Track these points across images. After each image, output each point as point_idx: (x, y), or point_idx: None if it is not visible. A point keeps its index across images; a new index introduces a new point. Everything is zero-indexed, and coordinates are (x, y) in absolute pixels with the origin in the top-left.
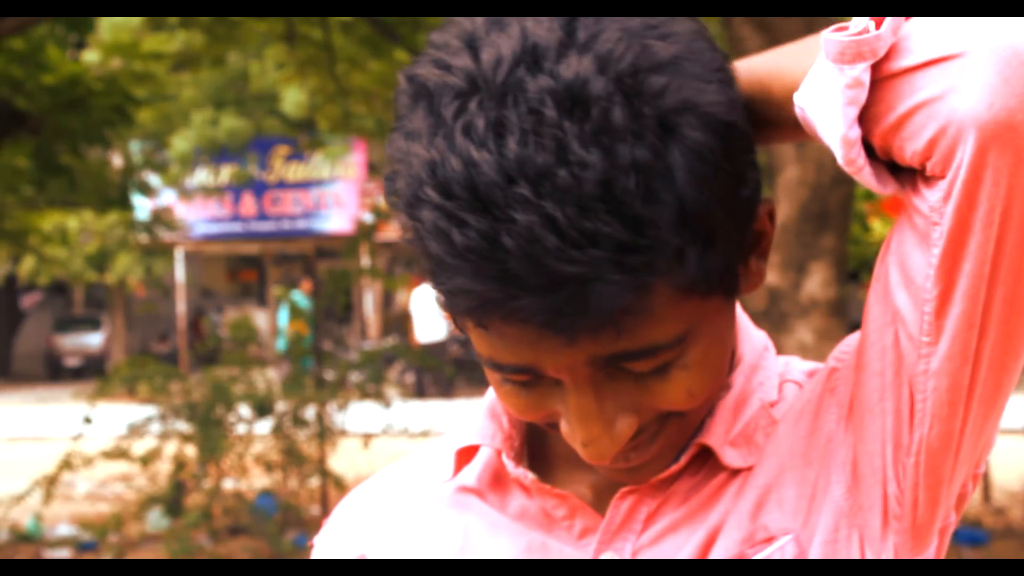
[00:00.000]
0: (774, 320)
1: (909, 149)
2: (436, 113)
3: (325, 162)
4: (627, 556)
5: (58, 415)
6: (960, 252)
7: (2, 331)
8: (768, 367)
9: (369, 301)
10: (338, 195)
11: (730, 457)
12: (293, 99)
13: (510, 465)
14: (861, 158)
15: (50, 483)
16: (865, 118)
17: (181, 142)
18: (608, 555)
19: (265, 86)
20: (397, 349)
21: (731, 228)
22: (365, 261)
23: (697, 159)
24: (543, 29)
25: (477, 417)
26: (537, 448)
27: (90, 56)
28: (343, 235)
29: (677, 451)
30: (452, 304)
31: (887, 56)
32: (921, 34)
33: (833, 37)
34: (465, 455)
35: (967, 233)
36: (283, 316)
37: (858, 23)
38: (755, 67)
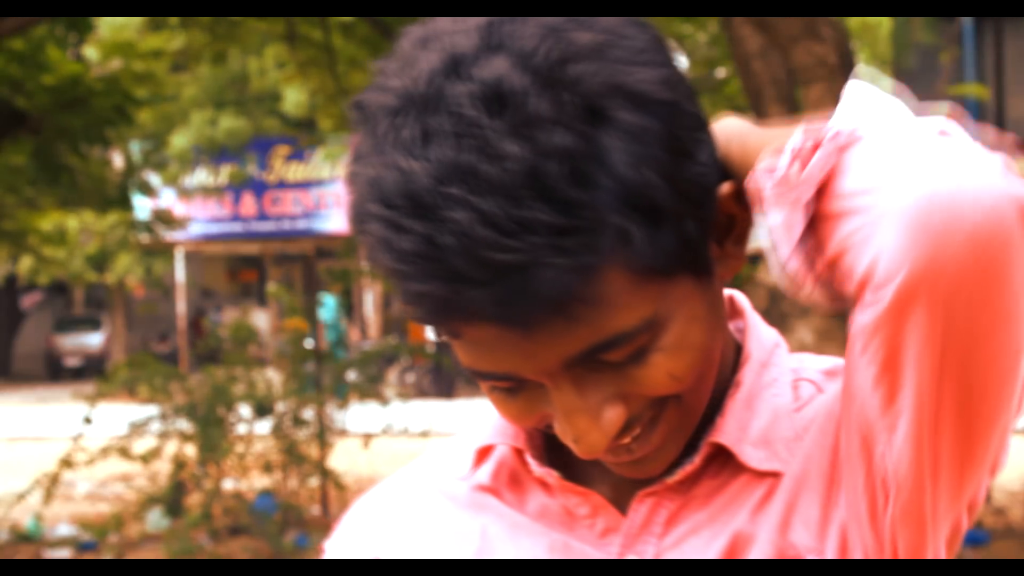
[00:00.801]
0: (774, 320)
1: (845, 284)
2: (374, 133)
3: (325, 162)
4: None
5: (58, 415)
6: (897, 371)
7: (2, 331)
8: (779, 364)
9: (369, 301)
10: (338, 195)
11: (750, 456)
12: (293, 99)
13: (534, 464)
14: (803, 283)
15: (51, 482)
16: (810, 243)
17: (181, 140)
18: (631, 557)
19: (265, 86)
20: (398, 348)
21: (684, 206)
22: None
23: (631, 139)
24: (463, 37)
25: (495, 417)
26: (555, 448)
27: (90, 51)
28: (343, 235)
29: (685, 440)
30: (415, 314)
31: (823, 190)
32: (847, 177)
33: (764, 174)
34: (482, 455)
35: (899, 360)
36: (327, 312)
37: (785, 157)
38: (732, 141)
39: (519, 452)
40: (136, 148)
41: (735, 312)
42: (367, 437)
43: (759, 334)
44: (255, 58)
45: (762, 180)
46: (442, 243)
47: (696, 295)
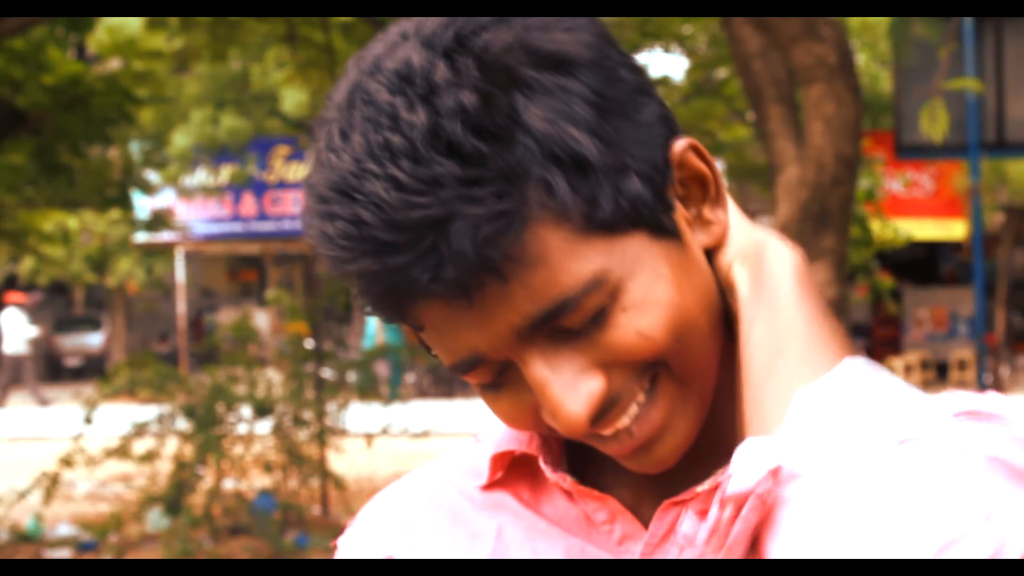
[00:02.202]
0: None
1: None
2: (315, 147)
3: None
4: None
5: (58, 415)
6: None
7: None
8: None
9: None
10: None
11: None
12: (294, 99)
13: (547, 470)
14: None
15: (51, 481)
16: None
17: (181, 138)
18: None
19: (266, 86)
20: (398, 349)
21: (622, 162)
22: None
23: (545, 95)
24: (381, 43)
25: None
26: (577, 453)
27: (94, 43)
28: None
29: (695, 421)
30: (370, 306)
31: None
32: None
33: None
34: (500, 460)
35: None
36: (391, 334)
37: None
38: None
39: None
40: (136, 148)
41: None
42: (367, 437)
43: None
44: (255, 59)
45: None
46: (364, 218)
47: (657, 254)
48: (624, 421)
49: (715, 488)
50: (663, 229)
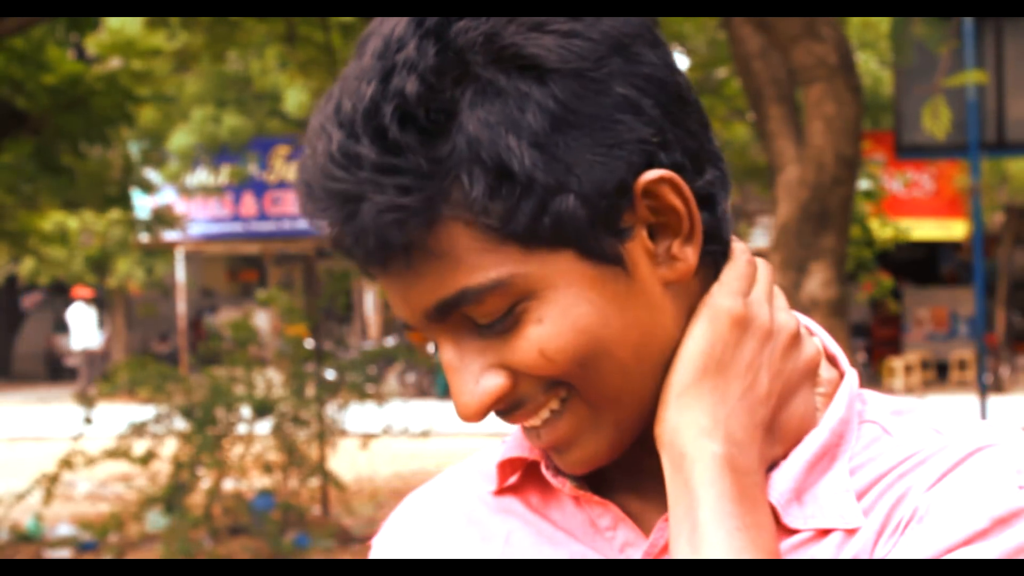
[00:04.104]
0: None
1: None
2: None
3: None
4: None
5: (58, 415)
6: None
7: (2, 331)
8: (852, 419)
9: (369, 301)
10: None
11: (794, 518)
12: (296, 99)
13: (548, 475)
14: None
15: (51, 482)
16: None
17: (182, 137)
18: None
19: (266, 86)
20: (398, 349)
21: (562, 180)
22: None
23: (495, 99)
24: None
25: (518, 429)
26: None
27: (94, 44)
28: None
29: (611, 446)
30: (337, 252)
31: None
32: None
33: None
34: (509, 466)
35: None
36: None
37: None
38: None
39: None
40: (136, 147)
41: (830, 358)
42: (367, 437)
43: (842, 394)
44: (256, 59)
45: None
46: (309, 171)
47: (588, 278)
48: (534, 422)
49: None
50: (597, 254)
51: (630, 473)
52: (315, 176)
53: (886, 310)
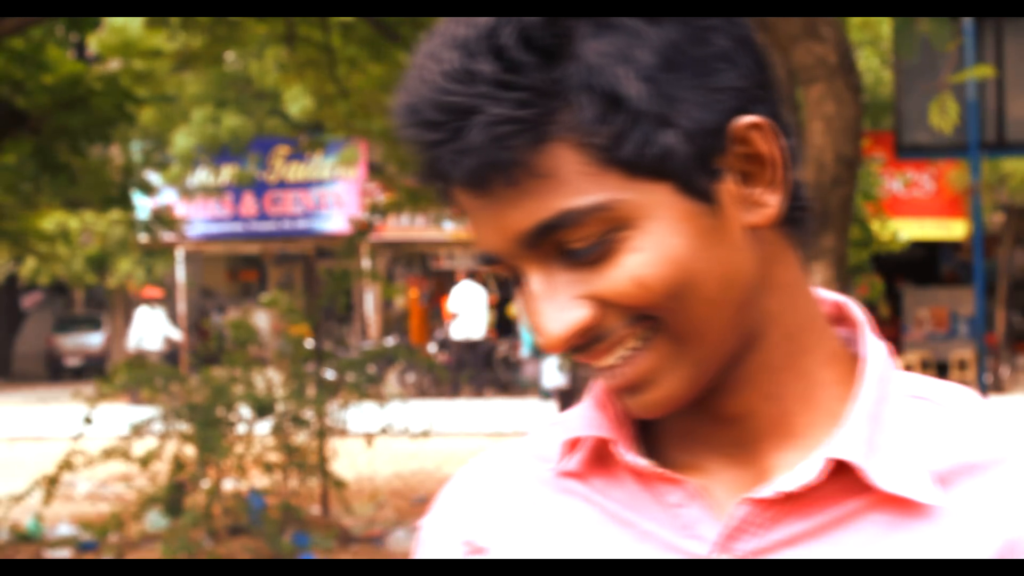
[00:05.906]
0: None
1: None
2: None
3: (326, 162)
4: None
5: (58, 415)
6: None
7: (2, 331)
8: (894, 379)
9: (370, 301)
10: (339, 195)
11: (880, 477)
12: (298, 102)
13: (622, 452)
14: None
15: (50, 483)
16: None
17: (183, 138)
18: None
19: (266, 86)
20: (398, 349)
21: (667, 114)
22: (366, 262)
23: (610, 32)
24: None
25: (583, 409)
26: (646, 438)
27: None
28: (343, 235)
29: (692, 384)
30: (425, 181)
31: None
32: None
33: None
34: (571, 445)
35: None
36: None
37: None
38: None
39: (608, 442)
40: (137, 147)
41: (844, 319)
42: (367, 437)
43: (875, 346)
44: (255, 60)
45: None
46: (418, 92)
47: (683, 212)
48: (609, 360)
49: (800, 491)
50: (693, 189)
51: (687, 449)
52: (424, 94)
53: (878, 313)
